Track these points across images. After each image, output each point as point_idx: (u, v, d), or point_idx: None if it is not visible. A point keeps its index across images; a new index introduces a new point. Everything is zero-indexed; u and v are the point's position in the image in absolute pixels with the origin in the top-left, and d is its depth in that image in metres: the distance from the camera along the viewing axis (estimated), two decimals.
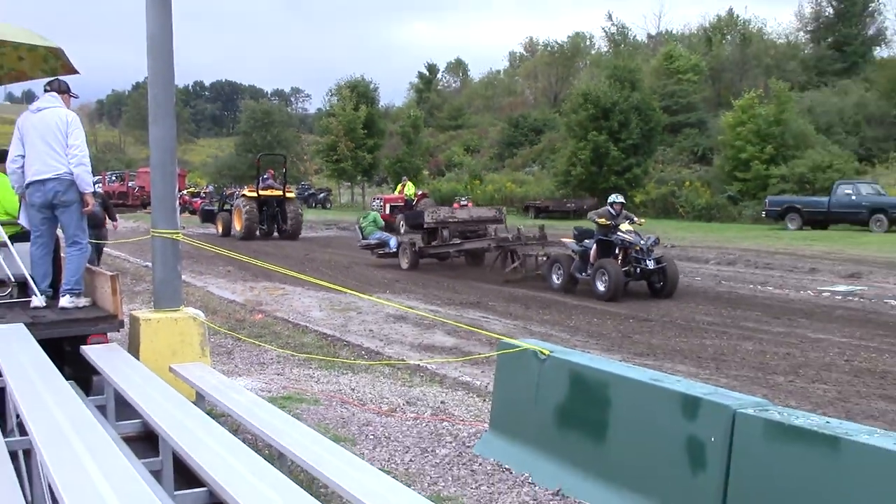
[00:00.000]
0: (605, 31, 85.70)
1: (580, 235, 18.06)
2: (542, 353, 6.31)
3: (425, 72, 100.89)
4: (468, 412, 8.17)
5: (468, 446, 6.86)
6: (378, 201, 38.92)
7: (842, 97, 49.94)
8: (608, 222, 17.12)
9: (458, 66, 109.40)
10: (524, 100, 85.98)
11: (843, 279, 19.39)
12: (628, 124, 45.94)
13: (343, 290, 13.61)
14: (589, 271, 17.09)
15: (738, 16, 70.60)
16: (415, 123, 62.03)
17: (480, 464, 6.44)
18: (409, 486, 5.44)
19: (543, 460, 6.11)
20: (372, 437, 7.16)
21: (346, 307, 15.29)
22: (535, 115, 72.35)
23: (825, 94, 51.09)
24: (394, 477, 5.30)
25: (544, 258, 19.63)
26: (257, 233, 32.58)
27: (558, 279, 17.96)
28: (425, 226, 22.44)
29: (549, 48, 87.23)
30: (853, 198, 33.47)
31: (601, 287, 16.43)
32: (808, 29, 66.05)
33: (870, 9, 63.74)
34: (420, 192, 39.33)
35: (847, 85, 52.84)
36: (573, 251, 18.10)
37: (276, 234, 33.49)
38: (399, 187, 39.38)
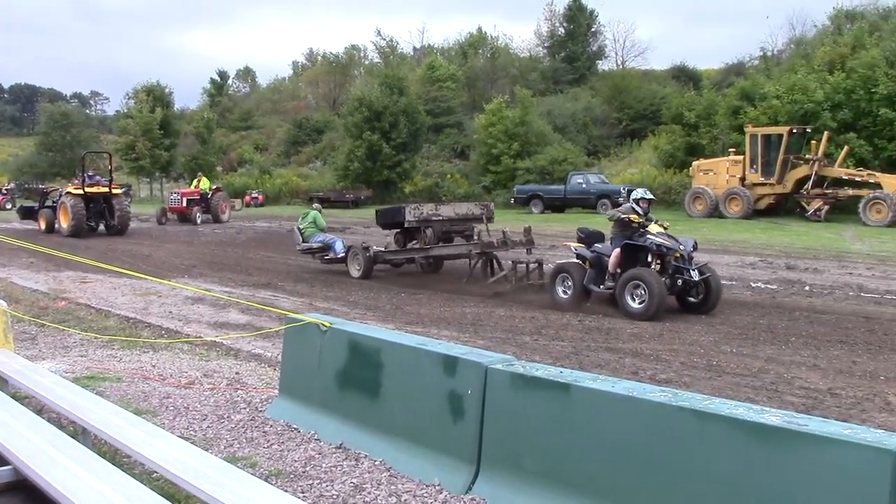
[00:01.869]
0: (374, 44, 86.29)
1: (588, 238, 13.43)
2: (323, 325, 6.30)
3: (217, 77, 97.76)
4: (261, 381, 8.04)
5: (261, 411, 6.76)
6: (176, 195, 37.35)
7: (573, 102, 52.53)
8: (639, 220, 12.46)
9: (246, 73, 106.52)
10: (307, 103, 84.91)
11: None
12: (398, 125, 46.44)
13: (142, 276, 13.05)
14: (609, 283, 12.46)
15: (487, 33, 72.80)
16: (208, 125, 60.16)
17: (272, 426, 6.36)
18: (206, 449, 5.30)
19: (327, 419, 6.12)
20: (172, 408, 6.91)
21: (146, 292, 14.62)
22: (317, 117, 71.73)
23: (560, 100, 53.52)
24: (192, 442, 5.15)
25: (535, 265, 15.02)
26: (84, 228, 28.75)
27: (566, 292, 13.01)
28: (406, 225, 16.79)
29: (327, 58, 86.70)
30: (584, 186, 35.38)
31: (635, 304, 11.71)
32: (545, 45, 69.08)
33: (593, 30, 67.46)
34: (214, 187, 38.07)
35: (577, 92, 55.66)
36: (584, 258, 13.16)
37: (103, 229, 29.63)
38: (195, 182, 37.96)
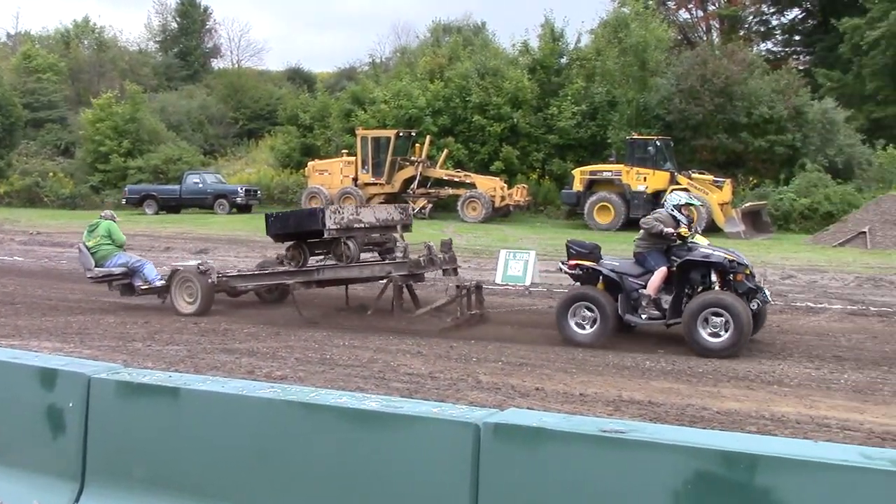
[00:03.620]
0: None
1: (591, 253, 10.57)
2: None
3: None
4: None
5: None
6: None
7: (188, 100, 51.12)
8: (687, 233, 10.06)
9: None
10: None
11: (193, 255, 19.98)
12: None
13: None
14: (652, 311, 9.99)
15: (93, 22, 68.23)
16: None
17: None
18: None
19: None
20: None
21: None
22: None
23: (174, 97, 51.79)
24: None
25: (474, 288, 11.76)
26: None
27: (586, 327, 10.10)
28: (326, 235, 11.85)
29: None
30: (200, 185, 34.65)
31: (714, 338, 9.38)
32: (156, 40, 66.42)
33: (207, 26, 66.29)
34: None
35: (192, 90, 54.23)
36: (594, 278, 10.40)
37: None
38: None
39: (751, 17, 46.51)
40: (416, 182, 31.06)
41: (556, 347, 9.83)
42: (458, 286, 11.57)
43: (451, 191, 30.73)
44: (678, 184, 25.67)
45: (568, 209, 29.41)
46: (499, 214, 29.56)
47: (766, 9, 45.52)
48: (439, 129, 33.56)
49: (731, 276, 9.71)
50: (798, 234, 24.81)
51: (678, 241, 9.98)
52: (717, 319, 9.34)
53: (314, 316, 11.85)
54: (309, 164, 34.02)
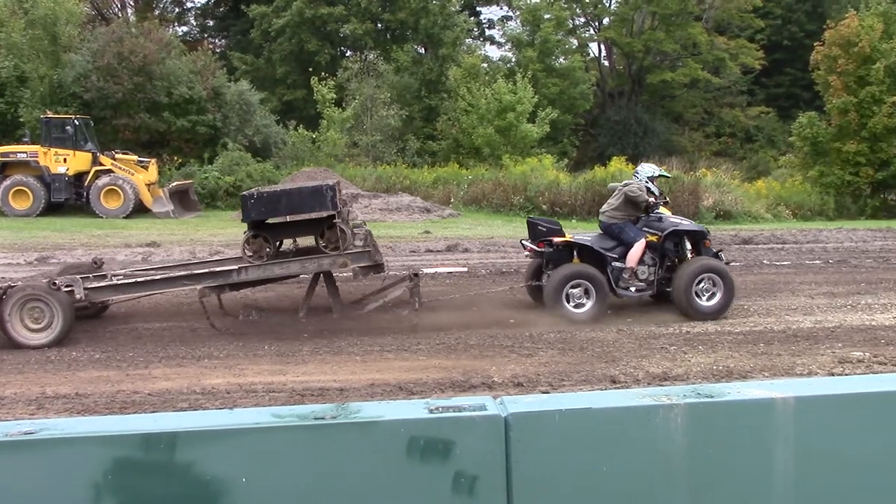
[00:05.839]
0: None
1: (560, 230, 10.27)
2: None
3: None
4: None
5: None
6: None
7: None
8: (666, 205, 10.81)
9: None
10: None
11: None
12: None
13: None
14: (637, 283, 10.04)
15: None
16: None
17: None
18: None
19: None
20: None
21: None
22: None
23: None
24: None
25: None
26: None
27: (579, 304, 9.71)
28: (336, 219, 9.00)
29: None
30: None
31: (708, 301, 9.88)
32: None
33: None
34: None
35: None
36: (600, 252, 10.01)
37: None
38: None
39: None
40: None
41: None
42: (415, 273, 9.93)
43: None
44: (101, 165, 24.75)
45: None
46: None
47: None
48: None
49: (698, 243, 10.36)
50: (225, 211, 25.68)
51: (645, 213, 10.27)
52: (705, 285, 9.87)
53: (228, 325, 9.45)
54: None
